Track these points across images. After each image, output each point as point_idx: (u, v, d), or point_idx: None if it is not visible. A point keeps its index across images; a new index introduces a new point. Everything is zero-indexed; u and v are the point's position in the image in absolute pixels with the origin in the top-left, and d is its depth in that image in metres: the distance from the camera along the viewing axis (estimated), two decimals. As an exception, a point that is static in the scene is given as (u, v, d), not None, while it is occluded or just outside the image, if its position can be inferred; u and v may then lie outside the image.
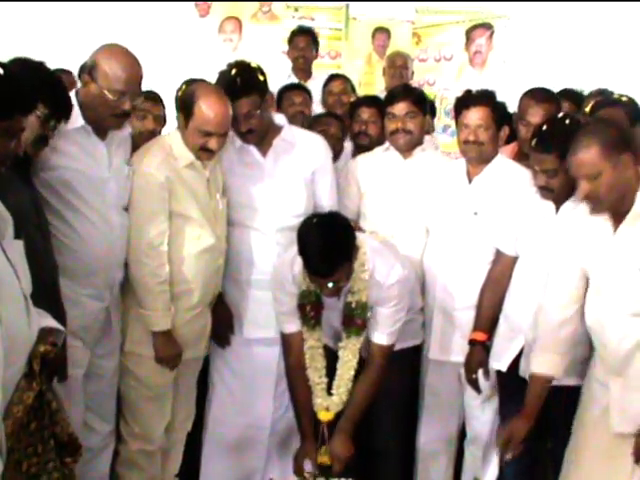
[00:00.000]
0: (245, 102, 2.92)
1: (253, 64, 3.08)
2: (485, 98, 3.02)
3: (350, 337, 2.84)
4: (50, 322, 2.08)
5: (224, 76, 3.01)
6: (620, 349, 2.38)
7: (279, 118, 3.17)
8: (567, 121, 2.70)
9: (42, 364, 1.91)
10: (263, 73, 3.07)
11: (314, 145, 3.16)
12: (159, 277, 2.79)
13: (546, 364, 2.56)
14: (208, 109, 2.75)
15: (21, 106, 1.94)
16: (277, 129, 3.10)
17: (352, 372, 2.85)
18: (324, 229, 2.64)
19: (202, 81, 2.90)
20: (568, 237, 2.57)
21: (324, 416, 2.87)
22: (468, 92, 3.13)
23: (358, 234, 2.81)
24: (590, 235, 2.49)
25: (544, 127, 2.71)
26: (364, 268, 2.75)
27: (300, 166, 3.08)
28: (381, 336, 2.84)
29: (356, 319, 2.81)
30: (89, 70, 2.60)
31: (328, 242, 2.60)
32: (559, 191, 2.69)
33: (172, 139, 2.88)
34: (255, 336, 3.16)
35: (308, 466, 2.87)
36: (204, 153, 2.82)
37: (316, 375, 2.89)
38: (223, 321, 3.10)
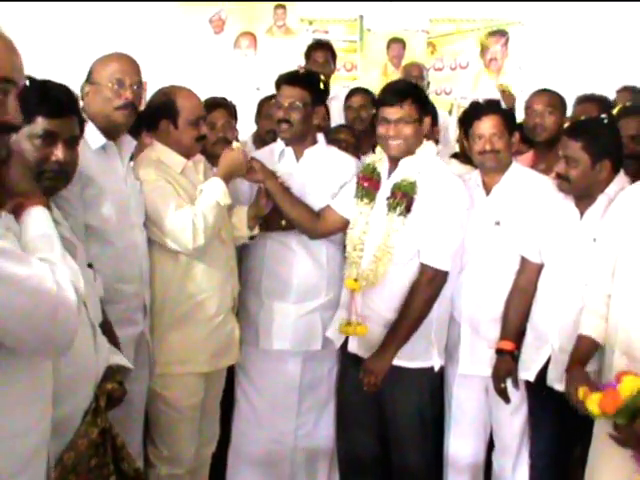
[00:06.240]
0: (295, 91, 3.00)
1: (322, 77, 3.21)
2: (494, 106, 3.03)
3: (391, 213, 2.81)
4: (119, 360, 2.07)
5: (291, 70, 3.15)
6: None
7: (319, 137, 3.20)
8: (605, 122, 2.75)
9: (107, 401, 1.92)
10: (326, 87, 3.22)
11: (345, 163, 3.15)
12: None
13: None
14: (190, 97, 2.84)
15: (65, 106, 1.96)
16: (313, 143, 3.15)
17: (388, 254, 2.82)
18: None
19: (168, 86, 2.90)
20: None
21: (351, 285, 2.90)
22: (476, 103, 3.13)
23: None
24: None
25: (582, 118, 2.84)
26: (422, 162, 2.83)
27: (328, 180, 3.10)
28: (426, 256, 2.81)
29: (397, 193, 2.80)
30: (87, 78, 2.58)
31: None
32: (575, 186, 2.71)
33: (156, 151, 2.84)
34: (270, 347, 3.16)
35: None
36: (199, 143, 2.87)
37: (352, 245, 2.92)
38: None
